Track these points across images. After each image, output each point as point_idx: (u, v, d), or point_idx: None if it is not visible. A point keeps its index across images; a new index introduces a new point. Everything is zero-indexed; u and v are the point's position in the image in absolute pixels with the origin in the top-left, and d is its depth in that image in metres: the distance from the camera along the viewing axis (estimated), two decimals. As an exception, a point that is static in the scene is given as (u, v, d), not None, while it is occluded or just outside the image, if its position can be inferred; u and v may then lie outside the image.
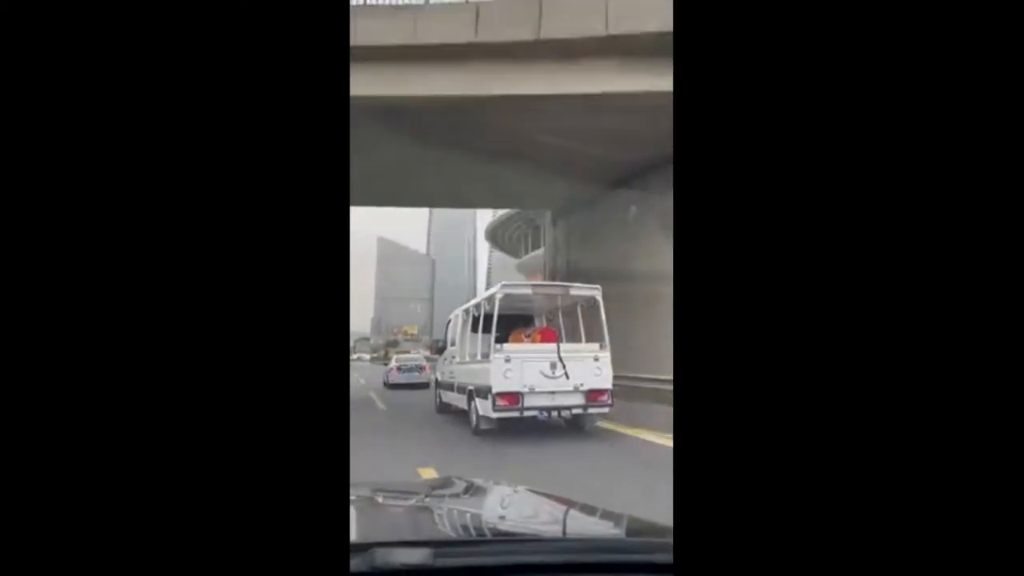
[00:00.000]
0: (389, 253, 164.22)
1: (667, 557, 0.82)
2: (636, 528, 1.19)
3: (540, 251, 59.37)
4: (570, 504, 1.39)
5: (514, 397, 6.74)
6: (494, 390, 6.74)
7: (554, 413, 7.04)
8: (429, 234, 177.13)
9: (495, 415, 6.82)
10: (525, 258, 67.22)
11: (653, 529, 1.08)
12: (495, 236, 73.88)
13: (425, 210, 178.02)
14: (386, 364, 21.51)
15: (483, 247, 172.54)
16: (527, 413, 6.83)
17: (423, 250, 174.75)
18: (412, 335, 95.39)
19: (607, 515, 1.29)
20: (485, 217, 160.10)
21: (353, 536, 0.90)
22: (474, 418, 7.42)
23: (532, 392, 6.79)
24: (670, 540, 0.80)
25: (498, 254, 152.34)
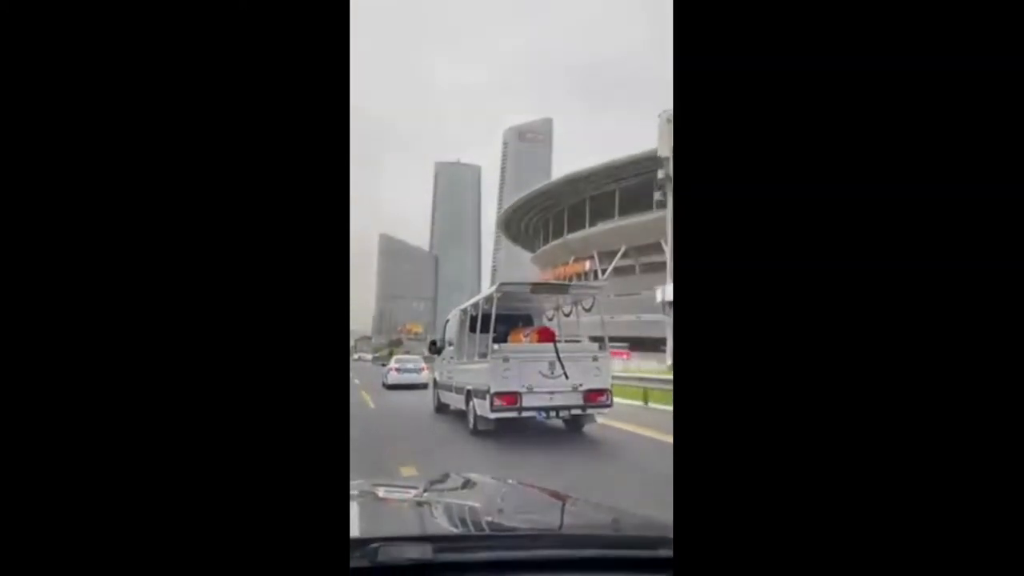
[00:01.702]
0: (391, 250, 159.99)
1: (668, 552, 0.82)
2: (636, 523, 1.21)
3: (560, 241, 55.19)
4: (568, 499, 1.38)
5: (512, 397, 6.58)
6: (492, 390, 6.54)
7: (552, 413, 6.90)
8: (432, 230, 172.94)
9: (493, 415, 6.63)
10: (541, 251, 63.16)
11: (652, 524, 1.08)
12: (508, 226, 69.46)
13: (428, 205, 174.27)
14: (386, 365, 21.35)
15: (488, 243, 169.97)
16: (525, 413, 6.71)
17: (426, 247, 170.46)
18: (416, 333, 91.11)
19: (606, 510, 1.33)
20: (491, 212, 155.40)
21: (353, 532, 0.89)
22: (471, 418, 7.23)
23: (530, 392, 6.60)
24: (670, 535, 0.82)
25: (504, 250, 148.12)
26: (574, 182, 46.80)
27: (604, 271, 46.41)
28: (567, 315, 8.15)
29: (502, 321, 7.42)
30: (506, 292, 7.27)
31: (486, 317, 7.20)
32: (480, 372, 7.01)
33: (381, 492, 1.49)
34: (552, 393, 6.66)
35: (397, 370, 16.69)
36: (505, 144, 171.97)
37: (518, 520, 1.32)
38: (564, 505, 1.37)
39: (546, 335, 7.34)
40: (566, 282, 10.21)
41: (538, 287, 8.10)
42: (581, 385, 6.74)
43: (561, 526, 1.25)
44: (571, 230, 50.17)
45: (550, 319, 8.42)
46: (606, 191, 44.21)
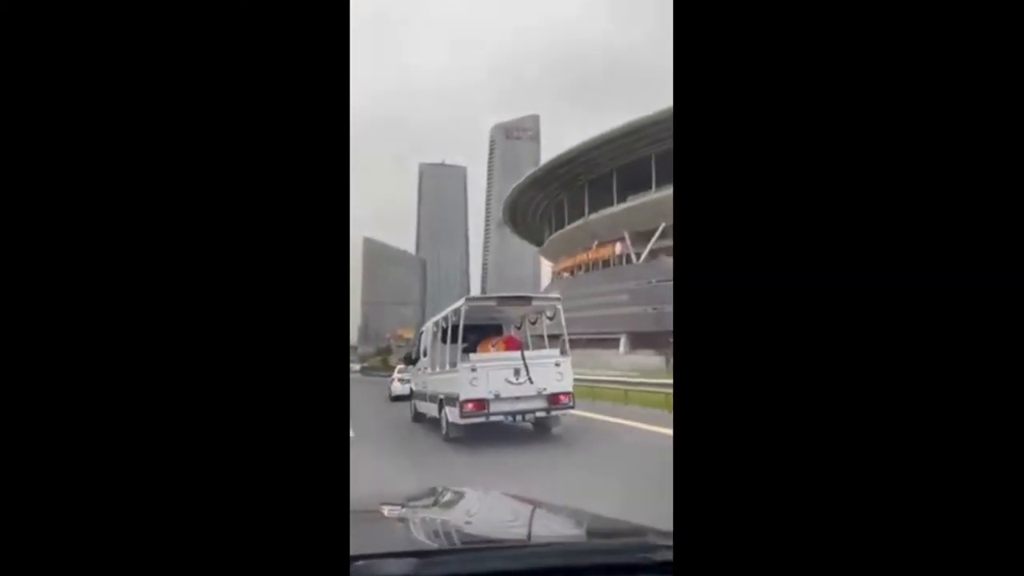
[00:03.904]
0: (376, 255, 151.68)
1: (665, 557, 0.84)
2: (627, 529, 1.23)
3: (580, 222, 47.12)
4: (558, 509, 1.42)
5: (480, 403, 6.90)
6: (461, 397, 6.89)
7: (519, 417, 7.23)
8: (418, 233, 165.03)
9: (463, 421, 6.95)
10: (553, 237, 55.24)
11: (646, 531, 1.09)
12: (514, 212, 61.39)
13: (412, 208, 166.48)
14: (385, 375, 22.54)
15: (477, 243, 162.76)
16: (493, 418, 6.98)
17: (412, 250, 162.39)
18: (408, 340, 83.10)
19: (596, 518, 1.34)
20: (479, 213, 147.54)
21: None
22: (444, 425, 7.55)
23: (498, 399, 6.96)
24: (663, 542, 0.86)
25: (494, 252, 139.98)
26: (597, 149, 39.10)
27: (639, 255, 38.80)
28: (533, 323, 8.50)
29: (473, 332, 7.81)
30: (472, 306, 7.63)
31: (455, 329, 7.47)
32: (450, 381, 7.27)
33: (372, 508, 1.48)
34: (518, 398, 6.97)
35: (399, 381, 16.91)
36: (492, 142, 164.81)
37: (505, 532, 1.33)
38: (554, 515, 1.37)
39: (512, 344, 7.83)
40: (529, 294, 9.36)
41: (503, 300, 8.46)
42: (545, 389, 7.06)
43: (551, 536, 1.26)
44: (593, 209, 42.44)
45: (519, 328, 8.88)
46: (640, 156, 36.59)
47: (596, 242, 42.65)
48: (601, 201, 40.86)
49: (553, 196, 47.15)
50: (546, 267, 58.11)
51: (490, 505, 1.57)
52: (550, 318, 8.20)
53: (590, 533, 1.26)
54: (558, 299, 8.24)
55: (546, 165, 45.18)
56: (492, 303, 8.21)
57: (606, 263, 41.73)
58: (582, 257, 44.76)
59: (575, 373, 7.65)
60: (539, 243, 57.23)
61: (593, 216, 42.14)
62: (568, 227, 45.56)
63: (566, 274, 48.62)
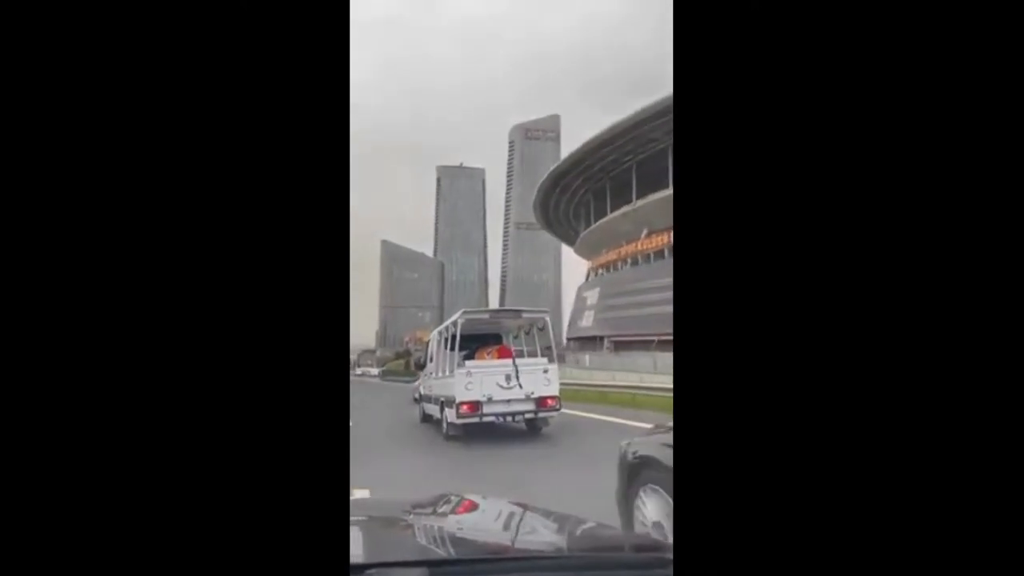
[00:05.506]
0: (394, 257, 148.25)
1: (667, 572, 0.83)
2: (634, 543, 1.21)
3: (627, 209, 40.47)
4: (566, 520, 1.41)
5: (474, 405, 7.64)
6: (457, 400, 7.68)
7: (509, 417, 7.98)
8: (436, 236, 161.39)
9: (459, 421, 7.76)
10: (591, 229, 50.57)
11: (652, 544, 1.08)
12: (546, 208, 56.40)
13: (431, 209, 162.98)
14: (407, 380, 22.24)
15: (495, 247, 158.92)
16: (486, 419, 7.76)
17: (430, 253, 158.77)
18: (427, 343, 78.95)
19: (604, 530, 1.34)
20: (498, 216, 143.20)
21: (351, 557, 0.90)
22: (445, 425, 8.33)
23: (490, 401, 7.71)
24: (669, 555, 0.84)
25: (513, 257, 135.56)
26: (647, 123, 34.32)
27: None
28: (527, 333, 9.37)
29: (473, 340, 8.69)
30: (468, 318, 8.44)
31: (454, 338, 8.18)
32: (449, 385, 8.10)
33: (376, 515, 1.49)
34: (509, 401, 7.77)
35: None
36: (511, 143, 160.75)
37: (517, 541, 1.34)
38: (559, 525, 1.38)
39: (505, 353, 8.53)
40: (519, 308, 10.67)
41: (495, 313, 10.12)
42: (533, 393, 7.84)
43: (559, 547, 1.27)
44: (641, 194, 37.70)
45: (516, 337, 9.67)
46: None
47: (646, 231, 37.89)
48: (652, 184, 36.13)
49: (595, 181, 42.47)
50: (571, 268, 53.28)
51: (499, 514, 1.53)
52: (540, 329, 9.14)
53: (602, 546, 1.24)
54: (546, 312, 9.16)
55: (586, 145, 40.38)
56: (486, 316, 9.41)
57: (658, 254, 36.93)
58: (627, 249, 40.01)
59: (627, 378, 9.01)
60: (571, 240, 52.59)
61: (641, 202, 37.44)
62: (612, 215, 40.88)
63: (603, 270, 43.94)
